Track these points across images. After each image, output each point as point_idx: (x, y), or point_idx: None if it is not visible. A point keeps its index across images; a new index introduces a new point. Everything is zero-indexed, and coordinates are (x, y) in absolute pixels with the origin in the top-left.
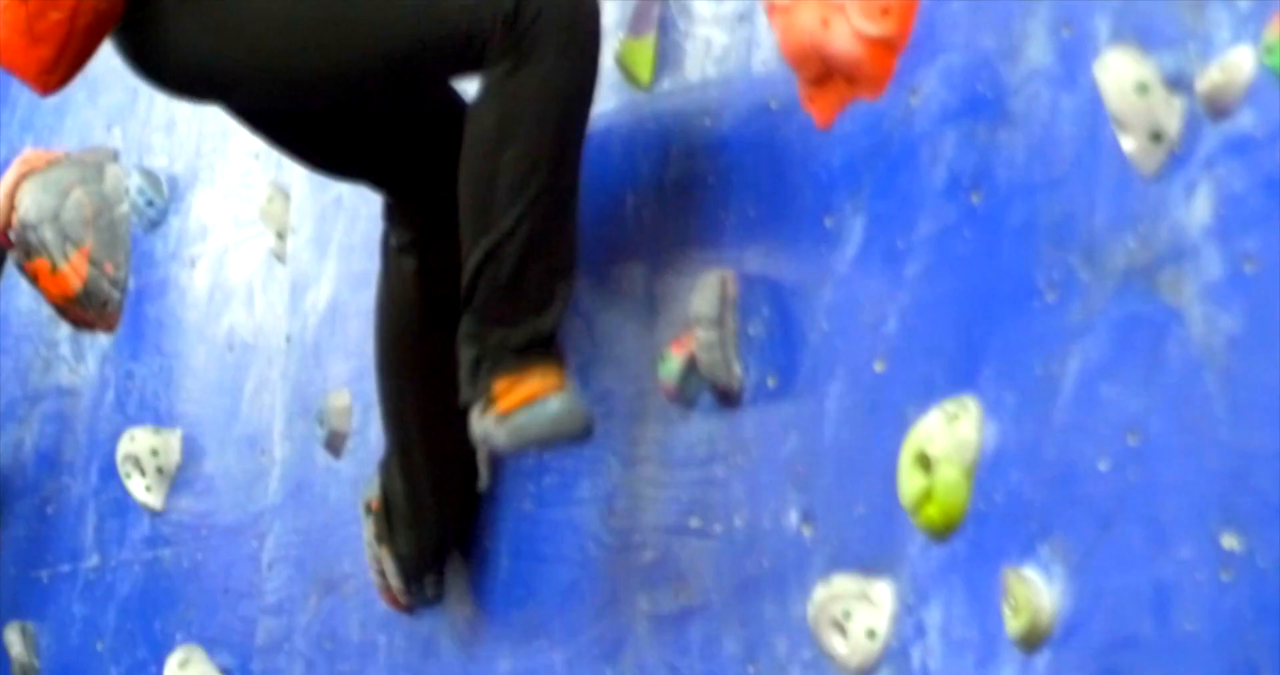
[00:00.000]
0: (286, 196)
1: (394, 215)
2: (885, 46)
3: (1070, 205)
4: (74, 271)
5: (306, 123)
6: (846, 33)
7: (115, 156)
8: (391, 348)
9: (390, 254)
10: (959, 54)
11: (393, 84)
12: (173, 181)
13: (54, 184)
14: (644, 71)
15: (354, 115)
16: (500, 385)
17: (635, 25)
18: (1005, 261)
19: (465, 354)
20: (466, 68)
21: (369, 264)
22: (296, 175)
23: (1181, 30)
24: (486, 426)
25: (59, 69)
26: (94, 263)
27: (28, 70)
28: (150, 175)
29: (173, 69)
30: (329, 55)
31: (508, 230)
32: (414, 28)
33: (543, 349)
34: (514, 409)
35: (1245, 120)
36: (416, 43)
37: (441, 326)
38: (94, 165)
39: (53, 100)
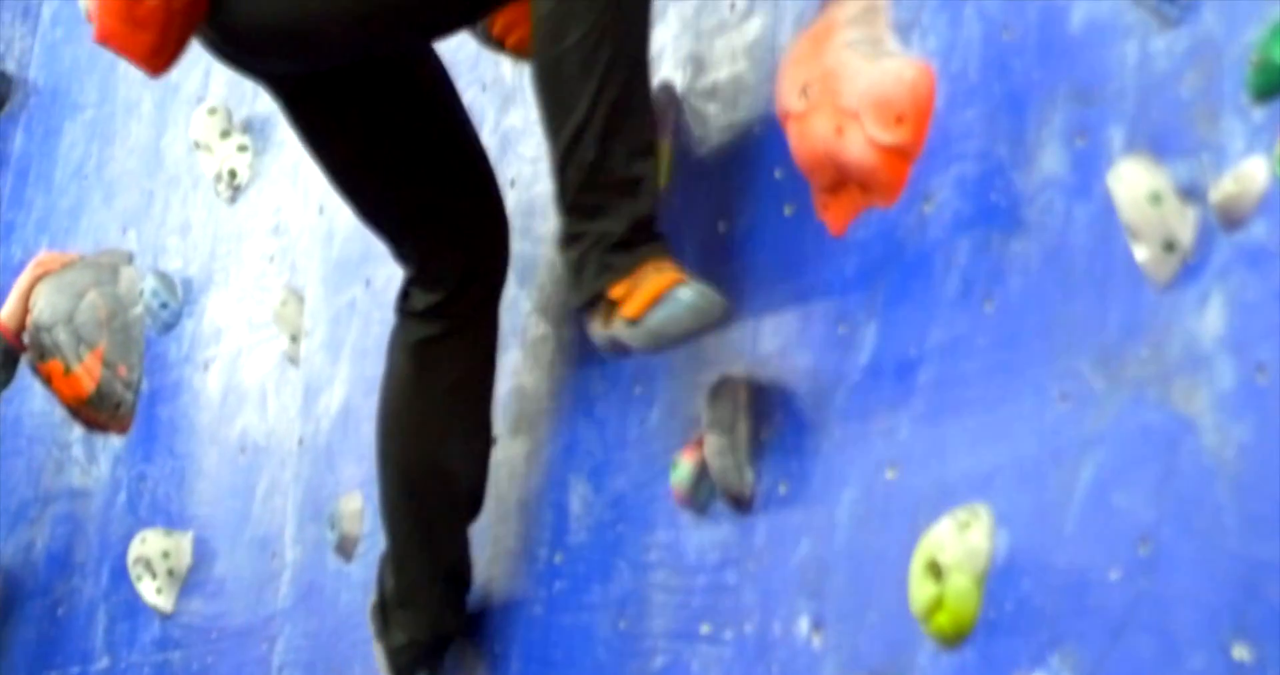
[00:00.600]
0: (300, 299)
1: (407, 303)
2: (899, 155)
3: (1083, 314)
4: (87, 373)
5: (359, 139)
6: (861, 141)
7: (130, 259)
8: (389, 442)
9: (396, 349)
10: (973, 163)
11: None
12: (187, 284)
13: (69, 286)
14: (660, 176)
15: (407, 133)
16: (618, 290)
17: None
18: (1018, 370)
19: (567, 257)
20: None
21: (381, 368)
22: (310, 278)
23: (1195, 141)
24: (615, 333)
25: (165, 52)
26: (107, 365)
27: (134, 55)
28: (165, 278)
29: (253, 36)
30: None
31: (586, 114)
32: None
33: (648, 237)
34: (644, 311)
35: (1258, 230)
36: None
37: (439, 423)
38: (109, 267)
39: (68, 202)
